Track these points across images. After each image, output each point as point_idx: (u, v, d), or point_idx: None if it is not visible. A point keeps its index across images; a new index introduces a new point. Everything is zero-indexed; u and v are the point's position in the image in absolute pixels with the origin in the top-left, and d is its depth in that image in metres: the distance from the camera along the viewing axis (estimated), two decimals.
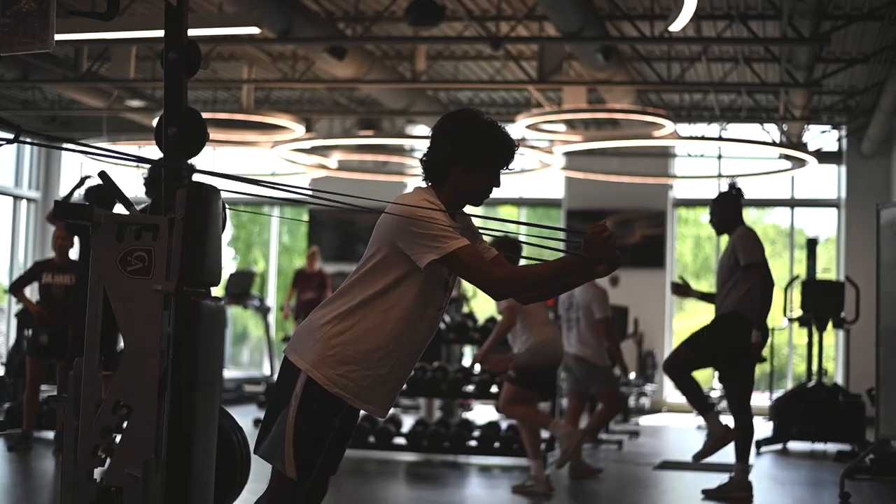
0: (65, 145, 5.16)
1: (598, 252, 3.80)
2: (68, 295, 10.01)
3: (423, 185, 4.02)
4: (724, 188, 8.67)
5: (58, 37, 3.95)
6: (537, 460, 8.53)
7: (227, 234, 17.85)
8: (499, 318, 11.02)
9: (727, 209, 8.41)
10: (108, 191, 4.01)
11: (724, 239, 8.51)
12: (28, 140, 3.72)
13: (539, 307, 8.80)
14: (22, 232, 19.95)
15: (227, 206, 4.21)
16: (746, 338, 8.03)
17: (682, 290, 8.70)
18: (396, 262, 3.87)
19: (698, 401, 8.28)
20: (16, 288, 10.20)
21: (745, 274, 8.12)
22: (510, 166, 4.07)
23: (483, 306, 18.06)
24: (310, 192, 4.57)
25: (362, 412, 4.03)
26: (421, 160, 4.04)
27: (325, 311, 3.95)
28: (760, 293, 8.05)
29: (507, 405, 8.79)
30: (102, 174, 3.96)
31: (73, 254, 10.28)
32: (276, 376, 4.21)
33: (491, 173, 4.00)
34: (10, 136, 3.69)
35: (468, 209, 4.11)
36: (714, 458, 8.70)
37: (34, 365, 10.06)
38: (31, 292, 10.67)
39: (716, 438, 8.04)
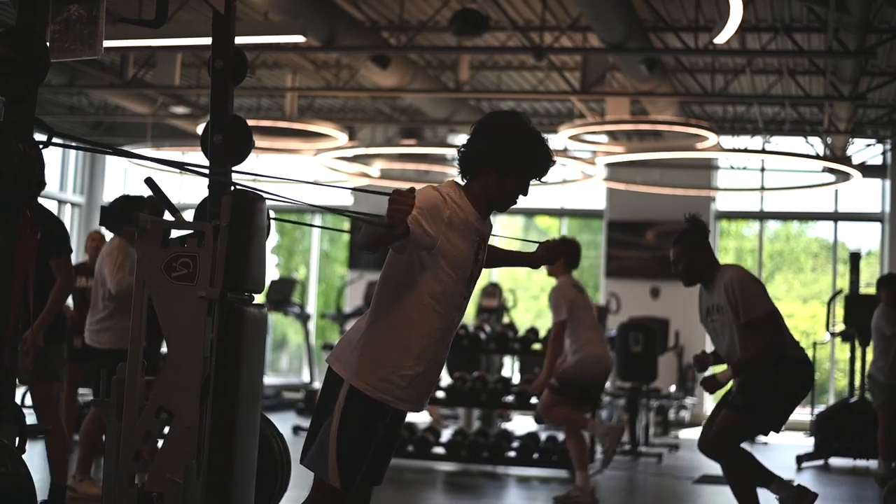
0: (100, 148, 5.19)
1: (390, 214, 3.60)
2: None
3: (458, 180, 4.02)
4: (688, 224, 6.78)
5: (106, 43, 3.98)
6: (583, 471, 8.43)
7: (271, 242, 17.93)
8: (539, 329, 10.99)
9: (693, 251, 6.71)
10: (157, 200, 4.03)
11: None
12: (61, 143, 3.74)
13: (587, 313, 8.64)
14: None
15: (270, 213, 4.23)
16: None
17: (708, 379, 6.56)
18: (409, 256, 3.87)
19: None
20: None
21: (749, 331, 6.54)
22: (543, 179, 4.04)
23: (524, 316, 18.05)
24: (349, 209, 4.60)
25: (405, 420, 4.03)
26: (458, 149, 4.04)
27: (363, 319, 3.98)
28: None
29: (545, 409, 8.64)
30: (148, 180, 3.98)
31: None
32: (315, 383, 4.22)
33: (520, 182, 3.98)
34: (44, 138, 3.73)
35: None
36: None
37: (69, 369, 10.10)
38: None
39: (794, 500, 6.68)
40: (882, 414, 10.51)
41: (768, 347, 6.50)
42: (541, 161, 3.98)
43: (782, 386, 6.56)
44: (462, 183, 4.00)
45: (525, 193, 4.02)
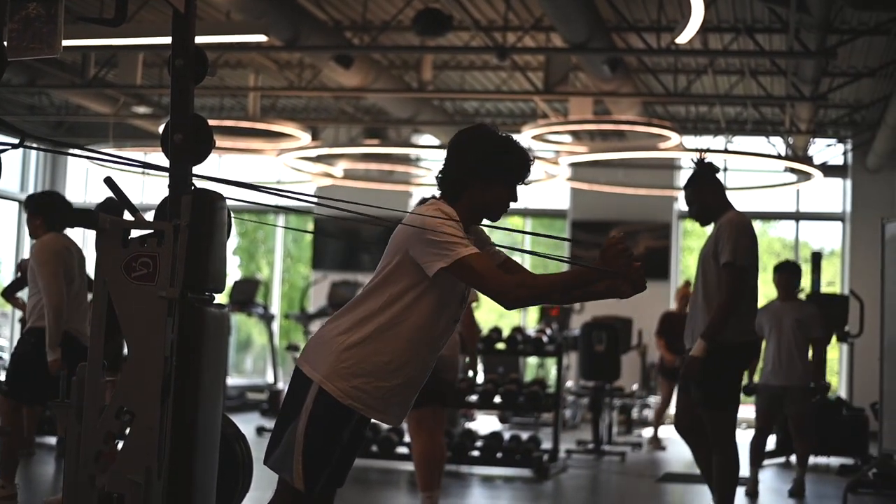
0: (69, 151, 5.16)
1: (611, 265, 3.73)
2: None
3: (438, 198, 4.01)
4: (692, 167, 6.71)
5: (65, 42, 3.95)
6: (426, 492, 7.04)
7: (232, 242, 17.87)
8: (502, 329, 11.01)
9: (705, 191, 6.59)
10: (116, 201, 3.99)
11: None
12: (34, 145, 3.72)
13: None
14: (27, 237, 19.93)
15: (231, 213, 4.20)
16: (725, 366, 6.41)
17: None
18: (410, 273, 3.84)
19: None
20: (8, 293, 10.11)
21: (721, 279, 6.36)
22: (526, 181, 4.06)
23: (487, 316, 18.04)
24: (315, 200, 4.58)
25: (371, 423, 4.01)
26: (436, 177, 4.02)
27: (340, 321, 3.92)
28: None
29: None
30: (108, 180, 3.95)
31: None
32: (279, 384, 4.20)
33: (507, 189, 3.99)
34: (15, 140, 3.70)
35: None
36: None
37: None
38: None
39: None
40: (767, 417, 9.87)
41: (727, 306, 6.24)
42: (521, 164, 4.00)
43: (731, 367, 6.45)
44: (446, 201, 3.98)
45: (515, 199, 4.04)
